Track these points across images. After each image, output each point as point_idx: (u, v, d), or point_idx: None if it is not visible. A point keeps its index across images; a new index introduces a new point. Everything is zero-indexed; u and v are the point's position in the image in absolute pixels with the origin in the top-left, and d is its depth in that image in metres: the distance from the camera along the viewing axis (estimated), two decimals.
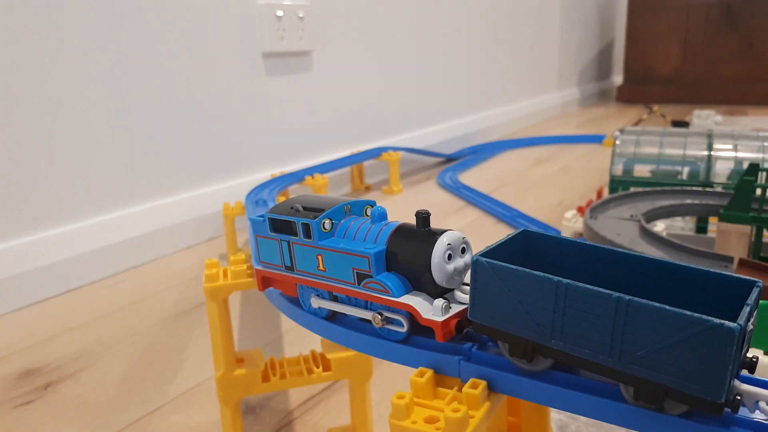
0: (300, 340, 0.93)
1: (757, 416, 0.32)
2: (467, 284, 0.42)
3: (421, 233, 0.42)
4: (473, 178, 2.00)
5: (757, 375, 0.35)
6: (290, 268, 0.47)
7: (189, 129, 1.42)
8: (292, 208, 0.46)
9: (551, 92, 3.50)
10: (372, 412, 0.66)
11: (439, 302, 0.40)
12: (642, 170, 1.38)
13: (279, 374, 0.64)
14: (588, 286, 0.33)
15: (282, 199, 1.33)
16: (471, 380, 0.38)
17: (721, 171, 1.31)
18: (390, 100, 2.12)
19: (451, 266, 0.41)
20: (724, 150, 1.29)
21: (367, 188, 1.89)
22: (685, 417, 0.32)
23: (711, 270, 0.36)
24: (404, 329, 0.42)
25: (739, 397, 0.31)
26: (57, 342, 0.97)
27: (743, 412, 0.33)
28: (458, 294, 0.41)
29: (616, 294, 0.32)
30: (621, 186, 1.31)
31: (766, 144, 1.27)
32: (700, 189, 1.16)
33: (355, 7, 1.89)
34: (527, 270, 0.35)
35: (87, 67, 1.21)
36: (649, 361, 0.32)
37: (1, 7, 1.07)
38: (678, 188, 1.17)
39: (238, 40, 1.51)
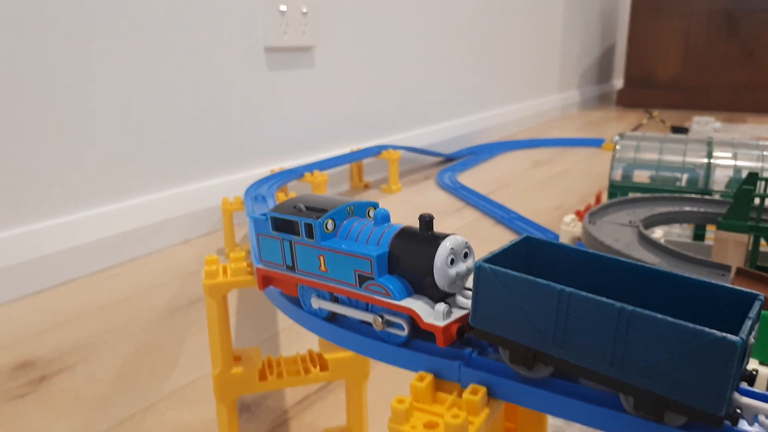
0: (297, 339, 0.93)
1: (756, 429, 0.32)
2: (469, 289, 0.42)
3: (424, 237, 0.42)
4: (472, 178, 2.00)
5: (757, 387, 0.35)
6: (291, 268, 0.47)
7: (189, 122, 1.42)
8: (295, 207, 0.46)
9: (552, 94, 3.51)
10: (367, 413, 0.66)
11: (441, 307, 0.40)
12: (641, 176, 1.38)
13: (276, 373, 0.64)
14: (591, 295, 0.33)
15: (281, 195, 1.33)
16: (471, 386, 0.38)
17: (720, 179, 1.31)
18: (390, 98, 2.11)
19: (453, 271, 0.41)
20: (723, 158, 1.29)
21: (366, 186, 1.89)
22: (685, 428, 0.32)
23: (713, 282, 0.36)
24: (405, 333, 0.42)
25: (738, 410, 0.31)
26: (52, 335, 0.97)
27: (742, 425, 0.33)
28: (460, 299, 0.41)
29: (619, 304, 0.32)
30: (620, 191, 1.31)
31: (765, 153, 1.28)
32: (698, 196, 1.17)
33: (359, 4, 1.88)
34: (530, 277, 0.35)
35: (87, 60, 1.20)
36: (650, 371, 0.32)
37: (3, 6, 1.07)
38: (677, 195, 1.18)
39: (241, 33, 1.50)
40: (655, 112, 3.04)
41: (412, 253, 0.42)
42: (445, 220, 1.54)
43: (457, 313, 0.41)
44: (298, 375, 0.64)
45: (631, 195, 1.26)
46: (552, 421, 0.71)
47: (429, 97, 2.34)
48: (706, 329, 0.30)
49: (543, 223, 1.47)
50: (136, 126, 1.31)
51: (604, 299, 0.33)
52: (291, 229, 0.46)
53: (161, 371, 0.85)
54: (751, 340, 0.32)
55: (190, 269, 1.23)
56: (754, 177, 0.99)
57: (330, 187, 1.76)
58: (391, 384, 0.80)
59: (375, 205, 0.47)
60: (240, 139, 1.56)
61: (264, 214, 0.48)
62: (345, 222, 0.46)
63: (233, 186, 1.50)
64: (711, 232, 1.21)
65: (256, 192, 1.25)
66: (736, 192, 0.98)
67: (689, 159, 1.31)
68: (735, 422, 0.31)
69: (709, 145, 1.31)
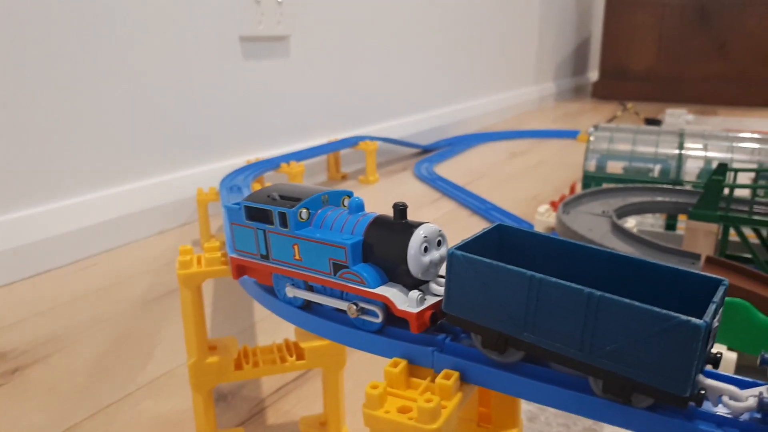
0: (273, 329, 0.93)
1: (720, 410, 0.33)
2: (443, 277, 0.42)
3: (398, 225, 0.42)
4: (449, 169, 2.01)
5: (721, 370, 0.36)
6: (266, 257, 0.47)
7: (163, 112, 1.40)
8: (268, 196, 0.46)
9: (528, 86, 3.53)
10: (344, 401, 0.67)
11: (415, 294, 0.40)
12: (615, 167, 1.40)
13: (252, 362, 0.64)
14: (560, 281, 0.34)
15: (257, 185, 1.32)
16: (444, 371, 0.38)
17: (692, 170, 1.34)
18: (367, 88, 2.11)
19: (426, 258, 0.41)
20: (694, 149, 1.32)
21: (343, 177, 1.89)
22: (651, 410, 0.33)
23: (680, 268, 0.37)
24: (379, 320, 0.42)
25: (703, 392, 0.32)
26: (25, 326, 0.96)
27: (707, 406, 0.34)
28: (433, 286, 0.42)
29: (588, 289, 0.33)
30: (594, 182, 1.33)
31: (735, 144, 1.30)
32: (670, 187, 1.19)
33: None
34: (502, 264, 0.35)
35: (58, 49, 1.18)
36: (617, 355, 0.33)
37: None
38: (649, 185, 1.20)
39: (215, 22, 1.48)
40: (630, 105, 3.08)
41: (386, 241, 0.42)
42: (422, 211, 1.54)
43: (431, 300, 0.41)
44: (274, 364, 0.64)
45: (604, 185, 1.28)
46: (526, 407, 0.72)
47: (406, 88, 2.34)
48: (672, 313, 0.31)
49: (519, 214, 1.49)
50: (110, 117, 1.29)
51: (574, 285, 0.33)
52: (265, 218, 0.46)
53: (137, 362, 0.85)
54: (716, 323, 0.33)
55: (166, 260, 1.22)
56: (723, 168, 1.01)
57: (307, 178, 1.75)
58: (368, 372, 0.80)
59: (350, 194, 0.47)
60: (215, 130, 1.54)
61: (237, 203, 0.48)
62: (319, 211, 0.46)
63: (208, 177, 1.49)
64: (682, 221, 1.24)
65: (231, 183, 1.25)
66: (707, 182, 1.00)
67: (661, 150, 1.33)
68: (699, 403, 0.32)
69: (681, 137, 1.33)
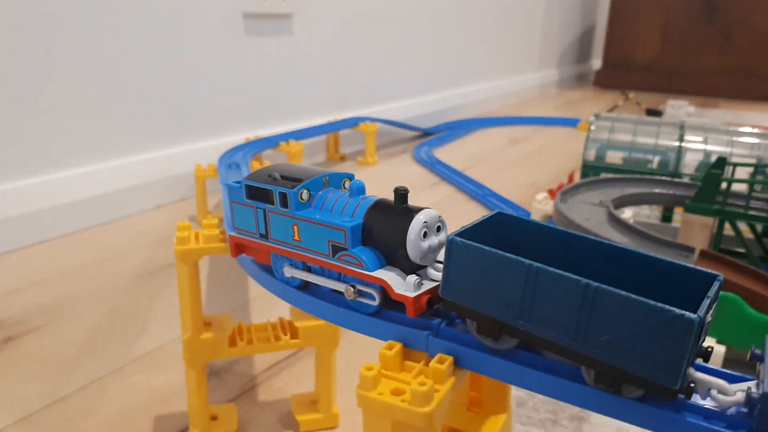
0: (267, 307, 0.94)
1: (709, 404, 0.34)
2: (440, 262, 0.42)
3: (398, 210, 0.42)
4: (449, 154, 2.00)
5: (711, 363, 0.37)
6: (265, 236, 0.47)
7: (164, 87, 1.39)
8: (269, 176, 0.46)
9: (531, 72, 3.51)
10: (336, 381, 0.67)
11: (412, 278, 0.40)
12: (614, 157, 1.40)
13: (246, 339, 0.64)
14: (558, 271, 0.34)
15: (255, 163, 1.32)
16: (438, 355, 0.39)
17: (691, 162, 1.34)
18: (369, 70, 2.10)
19: (425, 244, 0.41)
20: (694, 142, 1.32)
21: (342, 158, 1.89)
22: (641, 401, 0.34)
23: (676, 261, 0.37)
24: (376, 303, 0.42)
25: (693, 385, 0.33)
26: (19, 296, 0.96)
27: (696, 399, 0.34)
28: (431, 271, 0.42)
29: (585, 280, 0.33)
30: (593, 171, 1.33)
31: (735, 139, 1.30)
32: (668, 179, 1.19)
33: None
34: (500, 252, 0.36)
35: (56, 21, 1.17)
36: (611, 346, 0.33)
37: None
38: (647, 177, 1.20)
39: None
40: (632, 94, 3.07)
41: (385, 225, 0.42)
42: (420, 195, 1.54)
43: (428, 285, 0.41)
44: (268, 342, 0.64)
45: (603, 175, 1.28)
46: (515, 392, 0.73)
47: (408, 71, 2.33)
48: (667, 307, 0.31)
49: (516, 201, 1.49)
50: (110, 89, 1.28)
51: (571, 275, 0.33)
52: (265, 197, 0.46)
53: (130, 335, 0.85)
54: (709, 318, 0.33)
55: (162, 235, 1.22)
56: (722, 161, 1.01)
57: (306, 158, 1.75)
58: (360, 353, 0.81)
59: (351, 177, 0.47)
60: (215, 106, 1.53)
61: (238, 182, 0.48)
62: (320, 192, 0.46)
63: (207, 153, 1.49)
64: (679, 214, 1.24)
65: (230, 159, 1.24)
66: (705, 176, 1.00)
67: (661, 142, 1.33)
68: (689, 396, 0.32)
69: (681, 129, 1.33)
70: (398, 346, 0.40)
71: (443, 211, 1.39)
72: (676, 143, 1.30)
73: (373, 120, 1.87)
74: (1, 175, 1.14)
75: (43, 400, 0.71)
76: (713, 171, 0.99)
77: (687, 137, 1.32)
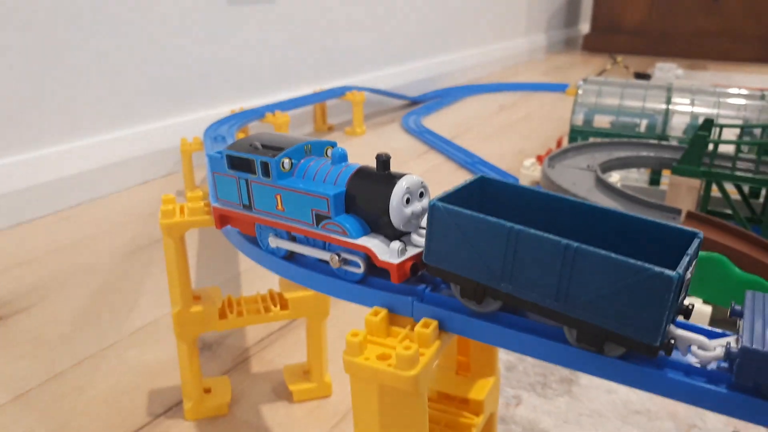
0: (258, 280, 0.94)
1: (689, 359, 0.34)
2: (424, 228, 0.42)
3: (380, 176, 0.42)
4: (437, 122, 1.99)
5: (696, 323, 0.37)
6: (248, 207, 0.47)
7: (146, 58, 1.37)
8: (251, 145, 0.46)
9: (519, 37, 3.48)
10: (327, 351, 0.68)
11: (396, 245, 0.40)
12: (602, 121, 1.40)
13: (236, 312, 0.64)
14: (538, 232, 0.34)
15: (241, 136, 1.31)
16: (423, 320, 0.39)
17: (678, 125, 1.34)
18: (355, 38, 2.07)
19: (408, 210, 0.41)
20: (681, 104, 1.32)
21: (330, 128, 1.87)
22: (623, 359, 0.34)
23: (658, 221, 0.37)
24: (361, 270, 0.42)
25: (673, 341, 0.33)
26: (8, 276, 0.96)
27: (677, 355, 0.35)
28: (415, 237, 0.42)
29: (565, 241, 0.33)
30: (581, 136, 1.32)
31: (722, 100, 1.30)
32: (656, 142, 1.19)
33: None
34: (481, 215, 0.36)
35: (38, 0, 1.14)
36: (592, 305, 0.33)
37: None
38: (635, 141, 1.20)
39: None
40: (619, 58, 3.05)
41: (368, 192, 0.42)
42: (410, 164, 1.54)
43: (412, 251, 0.41)
44: (258, 314, 0.64)
45: (591, 140, 1.28)
46: (504, 357, 0.74)
47: (395, 37, 2.30)
48: (646, 264, 0.31)
49: (505, 168, 1.49)
50: (93, 64, 1.26)
51: (551, 236, 0.33)
52: (247, 167, 0.45)
53: (121, 311, 0.85)
54: (688, 275, 0.34)
55: (150, 210, 1.22)
56: (709, 123, 1.01)
57: (292, 129, 1.74)
58: (351, 323, 0.81)
59: (333, 144, 0.47)
60: (199, 78, 1.51)
61: (219, 152, 0.47)
62: (302, 161, 0.46)
63: (192, 126, 1.47)
64: (666, 177, 1.25)
65: (215, 132, 1.23)
66: (692, 138, 1.00)
67: (649, 105, 1.32)
68: (669, 352, 0.33)
69: (669, 92, 1.33)
70: (384, 312, 0.40)
71: (432, 180, 1.39)
72: (664, 106, 1.30)
73: (360, 89, 1.86)
74: None
75: (37, 378, 0.71)
76: (700, 133, 0.99)
77: (674, 100, 1.31)
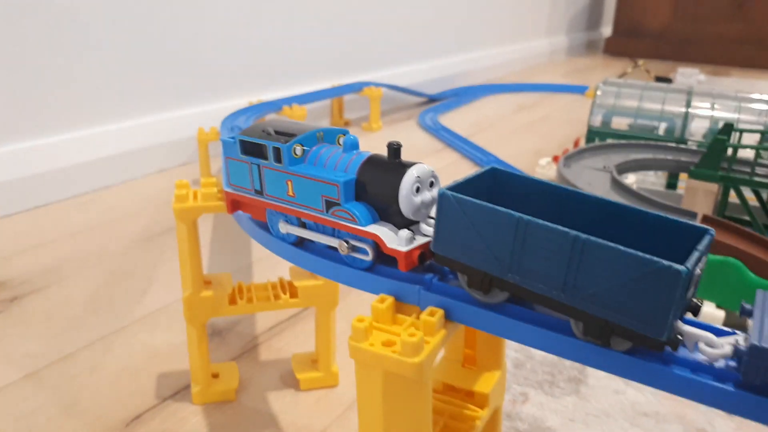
0: (270, 270, 0.94)
1: (696, 356, 0.34)
2: (433, 217, 0.42)
3: (391, 164, 0.42)
4: (454, 120, 1.99)
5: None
6: (260, 192, 0.47)
7: (165, 48, 1.38)
8: (263, 131, 0.46)
9: (540, 38, 3.46)
10: (335, 341, 0.68)
11: (404, 233, 0.40)
12: (620, 123, 1.39)
13: (246, 298, 0.65)
14: (547, 223, 0.34)
15: None
16: (429, 308, 0.39)
17: (697, 129, 1.32)
18: (375, 33, 2.07)
19: (418, 199, 0.41)
20: (701, 108, 1.30)
21: (347, 123, 1.88)
22: (629, 353, 0.34)
23: (669, 216, 0.37)
24: (369, 257, 0.42)
25: (680, 337, 0.33)
26: (24, 257, 0.97)
27: (683, 351, 0.34)
28: (423, 226, 0.42)
29: (573, 232, 0.33)
30: (598, 137, 1.32)
31: (743, 105, 1.29)
32: (674, 145, 1.18)
33: None
34: (490, 205, 0.36)
35: None
36: (599, 298, 0.33)
37: None
38: (653, 143, 1.19)
39: None
40: (641, 62, 3.02)
41: (378, 180, 0.42)
42: (425, 161, 1.52)
43: (420, 240, 0.41)
44: (267, 301, 0.65)
45: (608, 141, 1.27)
46: (513, 354, 0.74)
47: (415, 35, 2.30)
48: (654, 258, 0.31)
49: (521, 167, 1.48)
50: (113, 53, 1.28)
51: (560, 227, 0.33)
52: (259, 152, 0.46)
53: (133, 295, 0.86)
54: (698, 271, 0.33)
55: (165, 198, 1.23)
56: (729, 128, 1.00)
57: (309, 122, 1.74)
58: (360, 313, 0.81)
59: (344, 132, 0.47)
60: (218, 68, 1.52)
61: (233, 137, 0.48)
62: (314, 148, 0.46)
63: (210, 116, 1.48)
64: (684, 180, 1.23)
65: (232, 123, 1.24)
66: (710, 142, 0.99)
67: (668, 108, 1.31)
68: (675, 347, 0.32)
69: (689, 95, 1.31)
70: (390, 299, 0.40)
71: (447, 177, 1.38)
72: (683, 109, 1.29)
73: (377, 85, 1.86)
74: (4, 137, 1.14)
75: (48, 357, 0.72)
76: (719, 137, 0.98)
77: (694, 103, 1.30)
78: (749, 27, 3.52)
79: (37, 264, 0.94)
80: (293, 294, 0.66)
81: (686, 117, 1.28)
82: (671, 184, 1.27)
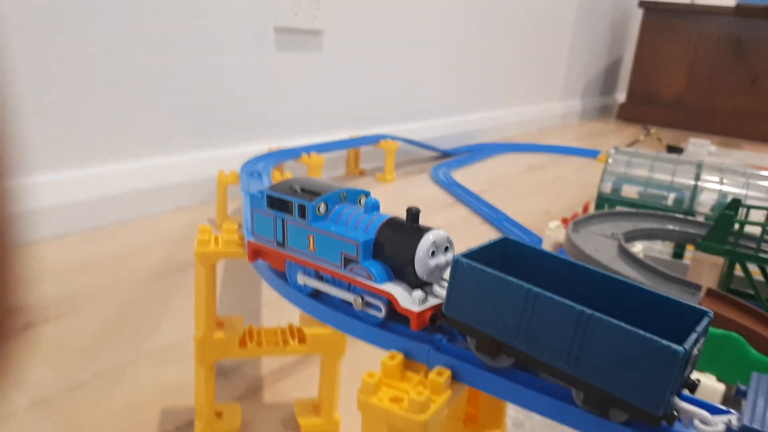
0: (278, 314, 0.96)
1: None
2: (446, 280, 0.44)
3: (409, 228, 0.44)
4: (466, 176, 2.03)
5: (708, 400, 0.38)
6: (281, 244, 0.50)
7: (192, 92, 1.44)
8: (290, 188, 0.49)
9: (554, 101, 3.53)
10: (339, 388, 0.69)
11: (418, 293, 0.43)
12: (630, 191, 1.42)
13: (256, 342, 0.66)
14: (555, 296, 0.36)
15: (276, 173, 1.35)
16: (437, 368, 0.41)
17: (706, 201, 1.35)
18: (394, 89, 2.13)
19: (433, 262, 0.43)
20: (710, 181, 1.33)
21: (361, 173, 1.92)
22: (626, 425, 0.36)
23: (671, 297, 0.39)
24: (382, 314, 0.44)
25: (675, 413, 0.34)
26: (40, 285, 0.99)
27: (679, 426, 0.36)
28: (436, 288, 0.44)
29: (580, 307, 0.35)
30: (608, 203, 1.34)
31: (751, 181, 1.31)
32: (682, 216, 1.20)
33: None
34: (502, 274, 0.38)
35: (93, 23, 1.21)
36: (600, 370, 0.35)
37: None
38: (661, 213, 1.21)
39: (251, 10, 1.51)
40: (653, 130, 3.07)
41: (396, 241, 0.44)
42: (436, 215, 1.57)
43: (432, 301, 0.43)
44: (276, 345, 0.66)
45: (617, 208, 1.29)
46: (513, 413, 0.74)
47: (432, 92, 2.36)
48: (655, 337, 0.33)
49: (529, 227, 1.50)
50: (141, 92, 1.33)
51: (567, 301, 0.35)
52: (285, 207, 0.48)
53: (144, 330, 0.88)
54: (695, 351, 0.35)
55: (181, 236, 1.26)
56: (736, 203, 1.02)
57: (326, 171, 1.78)
58: (365, 365, 0.82)
59: (367, 194, 0.50)
60: (241, 115, 1.57)
61: (261, 192, 0.50)
62: (337, 207, 0.48)
63: (229, 160, 1.52)
64: (690, 251, 1.25)
65: (252, 168, 1.27)
66: (718, 216, 1.01)
67: (678, 179, 1.34)
68: (670, 422, 0.34)
69: (698, 168, 1.34)
70: (400, 356, 0.42)
71: (456, 232, 1.41)
72: (692, 182, 1.31)
73: (394, 138, 1.90)
74: (28, 169, 1.18)
75: (56, 386, 0.74)
76: (727, 212, 1.00)
77: (703, 176, 1.33)
78: (761, 102, 3.58)
79: (53, 293, 0.97)
80: (302, 340, 0.67)
81: (695, 189, 1.31)
82: (678, 254, 1.29)
